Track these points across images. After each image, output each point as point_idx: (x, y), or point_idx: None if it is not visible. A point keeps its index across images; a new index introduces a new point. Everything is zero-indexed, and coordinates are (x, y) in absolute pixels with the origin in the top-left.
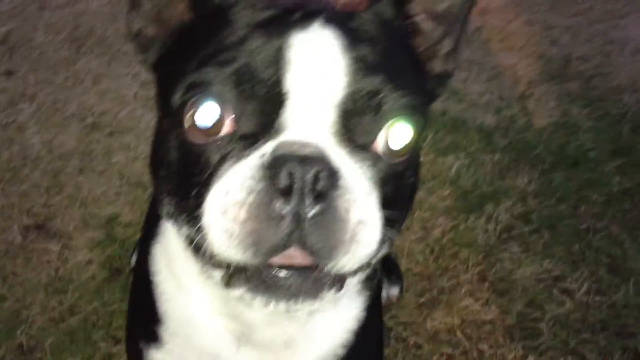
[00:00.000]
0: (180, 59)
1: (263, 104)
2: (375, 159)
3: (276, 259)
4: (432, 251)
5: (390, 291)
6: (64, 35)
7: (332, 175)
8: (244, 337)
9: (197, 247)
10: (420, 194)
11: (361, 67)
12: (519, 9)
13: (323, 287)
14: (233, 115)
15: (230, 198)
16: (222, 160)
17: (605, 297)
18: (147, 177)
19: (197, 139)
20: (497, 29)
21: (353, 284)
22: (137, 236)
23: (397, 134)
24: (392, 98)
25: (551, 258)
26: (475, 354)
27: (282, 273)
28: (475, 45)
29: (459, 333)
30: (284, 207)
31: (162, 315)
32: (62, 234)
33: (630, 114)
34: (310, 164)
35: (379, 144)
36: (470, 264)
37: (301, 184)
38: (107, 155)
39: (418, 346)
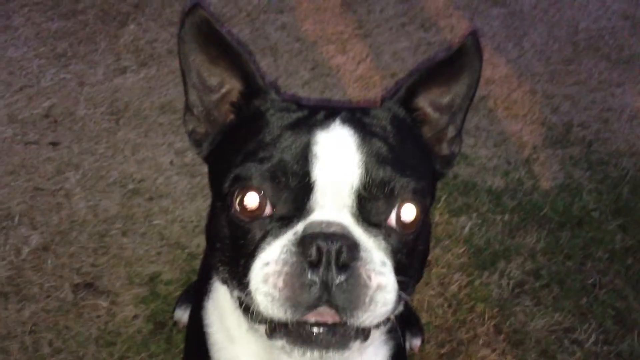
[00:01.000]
0: (228, 154)
1: (295, 193)
2: (388, 233)
3: (310, 316)
4: (450, 305)
5: (413, 342)
6: (103, 109)
7: (353, 248)
8: None
9: (246, 307)
10: (437, 252)
11: (373, 159)
12: (522, 79)
13: (349, 339)
14: (270, 203)
15: (270, 269)
16: (264, 236)
17: (613, 347)
18: (184, 239)
19: (243, 222)
20: (501, 97)
21: (377, 335)
22: (178, 292)
23: (406, 212)
24: (399, 185)
25: (561, 311)
26: None
27: (315, 329)
28: (482, 113)
29: None
30: (313, 276)
31: None
32: (109, 291)
33: (629, 177)
34: (334, 240)
35: (392, 221)
36: (486, 317)
37: (327, 256)
38: (148, 218)
39: None
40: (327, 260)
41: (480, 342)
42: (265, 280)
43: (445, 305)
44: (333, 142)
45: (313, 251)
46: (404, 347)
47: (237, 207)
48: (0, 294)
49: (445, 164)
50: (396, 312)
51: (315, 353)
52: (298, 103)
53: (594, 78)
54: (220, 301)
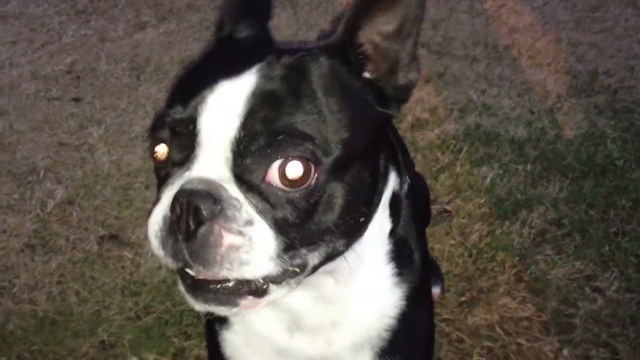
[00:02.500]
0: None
1: (184, 141)
2: (266, 191)
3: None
4: (470, 254)
5: (433, 290)
6: (124, 64)
7: (215, 206)
8: (294, 324)
9: None
10: (458, 202)
11: (260, 113)
12: (546, 27)
13: (234, 298)
14: (169, 149)
15: (152, 218)
16: (165, 181)
17: (634, 294)
18: None
19: (155, 165)
20: (525, 46)
21: (383, 273)
22: None
23: (290, 169)
24: (278, 141)
25: (583, 259)
26: (514, 347)
27: (205, 284)
28: (506, 62)
29: (498, 328)
30: (174, 230)
31: None
32: (133, 243)
33: None
34: (194, 198)
35: (272, 177)
36: (507, 265)
37: (186, 214)
38: None
39: (460, 340)
40: (185, 218)
41: (501, 290)
42: (153, 223)
43: (466, 254)
44: (226, 91)
45: (177, 209)
46: (423, 290)
47: (155, 152)
48: (27, 246)
49: (403, 95)
50: (309, 265)
51: (207, 306)
52: (255, 38)
53: (620, 25)
54: None
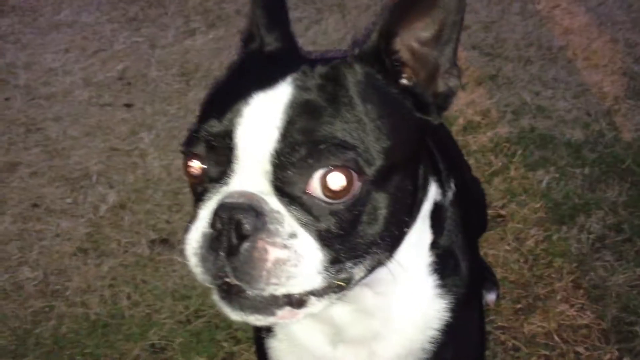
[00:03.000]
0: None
1: (221, 155)
2: (308, 203)
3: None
4: (526, 261)
5: (487, 297)
6: (174, 70)
7: (256, 220)
8: (337, 336)
9: None
10: (512, 207)
11: (293, 125)
12: (602, 28)
13: (272, 307)
14: (205, 164)
15: (192, 235)
16: (202, 197)
17: None
18: None
19: (191, 181)
20: (580, 47)
21: (427, 283)
22: None
23: (332, 180)
24: (320, 152)
25: None
26: (572, 356)
27: (241, 294)
28: (560, 64)
29: (555, 337)
30: (216, 246)
31: None
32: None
33: None
34: (236, 212)
35: (314, 189)
36: (565, 272)
37: (228, 229)
38: None
39: (516, 349)
40: (227, 233)
41: (558, 297)
42: (191, 240)
43: (521, 260)
44: (263, 103)
45: (217, 224)
46: (470, 301)
47: (189, 167)
48: (80, 250)
49: (443, 102)
50: (354, 279)
51: (245, 317)
52: (289, 51)
53: None
54: None
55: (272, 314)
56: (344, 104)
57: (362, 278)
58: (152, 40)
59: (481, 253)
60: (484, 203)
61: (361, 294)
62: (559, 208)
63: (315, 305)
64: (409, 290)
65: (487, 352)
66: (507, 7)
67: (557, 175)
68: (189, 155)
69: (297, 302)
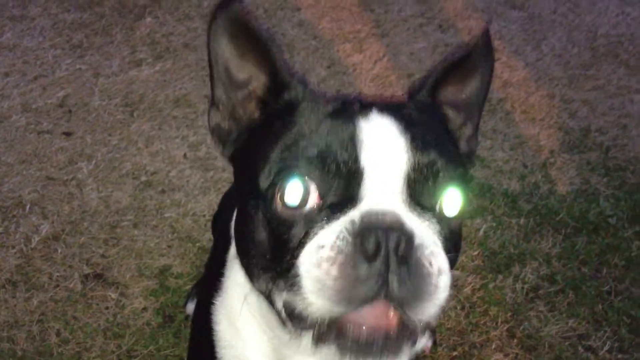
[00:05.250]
0: (261, 149)
1: (344, 180)
2: (439, 218)
3: (362, 314)
4: (463, 308)
5: (423, 344)
6: (118, 100)
7: (410, 239)
8: None
9: (291, 311)
10: None
11: (418, 144)
12: (540, 83)
13: (402, 345)
14: (318, 191)
15: (324, 252)
16: (311, 228)
17: (627, 355)
18: (196, 232)
19: (287, 215)
20: (518, 101)
21: (425, 339)
22: (188, 286)
23: (452, 198)
24: (445, 168)
25: (576, 317)
26: None
27: (373, 334)
28: (499, 115)
29: None
30: (371, 269)
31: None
32: (119, 283)
33: None
34: (392, 232)
35: (442, 206)
36: (500, 320)
37: (386, 250)
38: (160, 210)
39: None
40: (385, 254)
41: (493, 346)
42: (319, 265)
43: (458, 307)
44: (377, 130)
45: (371, 243)
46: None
47: (279, 202)
48: (9, 282)
49: (465, 160)
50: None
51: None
52: (325, 95)
53: (613, 84)
54: (232, 300)
55: (401, 352)
56: (435, 127)
57: None
58: (96, 68)
59: None
60: None
61: None
62: (495, 257)
63: (420, 341)
64: None
65: None
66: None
67: (494, 224)
68: (288, 181)
69: (414, 337)
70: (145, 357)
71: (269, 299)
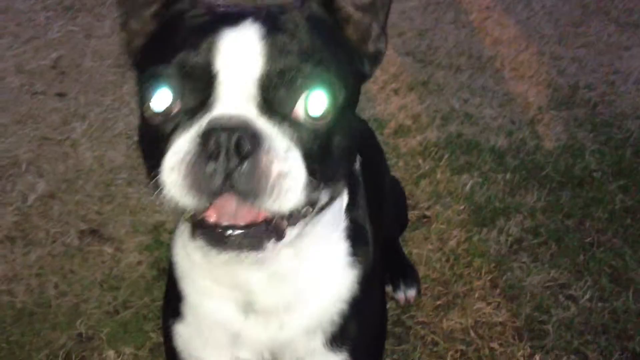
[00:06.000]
0: (145, 59)
1: (199, 85)
2: (296, 123)
3: (224, 219)
4: (447, 260)
5: (408, 293)
6: (110, 61)
7: (254, 138)
8: (248, 305)
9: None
10: (437, 209)
11: (277, 50)
12: (530, 40)
13: (262, 239)
14: (178, 98)
15: (175, 158)
16: (174, 131)
17: (607, 304)
18: None
19: (153, 121)
20: (508, 58)
21: (340, 253)
22: None
23: (314, 102)
24: (304, 74)
25: (557, 268)
26: (487, 351)
27: (230, 231)
28: (488, 73)
29: (472, 332)
30: (213, 165)
31: (182, 292)
32: (114, 238)
33: (632, 139)
34: (233, 132)
35: (299, 111)
36: (483, 271)
37: (227, 147)
38: None
39: (435, 343)
40: (226, 151)
41: (476, 295)
42: (172, 169)
43: (443, 259)
44: (238, 36)
45: (212, 143)
46: (375, 277)
47: (147, 108)
48: (7, 238)
49: (373, 62)
50: (318, 203)
51: (231, 254)
52: (220, 6)
53: (602, 41)
54: (184, 228)
55: (262, 247)
56: (312, 34)
57: (321, 209)
58: (88, 30)
59: (405, 251)
60: (404, 202)
61: (282, 254)
62: (481, 211)
63: (289, 234)
64: (324, 254)
65: (407, 346)
66: (441, 16)
67: (480, 179)
68: (153, 87)
69: (278, 231)
70: (141, 308)
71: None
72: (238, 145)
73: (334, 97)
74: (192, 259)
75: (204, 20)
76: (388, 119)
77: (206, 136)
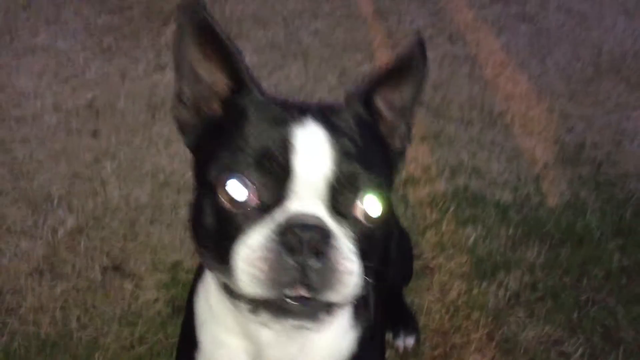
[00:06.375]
0: (213, 144)
1: (276, 181)
2: (356, 223)
3: (287, 293)
4: (447, 311)
5: (407, 341)
6: (142, 103)
7: (327, 237)
8: (258, 356)
9: (229, 289)
10: (440, 260)
11: (343, 156)
12: (541, 97)
13: (318, 311)
14: (253, 190)
15: (255, 254)
16: (247, 222)
17: None
18: None
19: (227, 208)
20: (519, 114)
21: (344, 316)
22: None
23: (369, 204)
24: (364, 179)
25: (552, 324)
26: None
27: (294, 302)
28: (498, 127)
29: None
30: (292, 262)
31: (198, 340)
32: (134, 275)
33: (634, 199)
34: (312, 231)
35: (357, 212)
36: (481, 324)
37: (306, 245)
38: (175, 209)
39: None
40: (305, 249)
41: (473, 347)
42: (250, 264)
43: (443, 310)
44: (308, 138)
45: (294, 240)
46: (375, 334)
47: (223, 195)
48: (36, 271)
49: (398, 158)
50: (359, 295)
51: (291, 322)
52: (275, 99)
53: (612, 100)
54: (208, 283)
55: (318, 318)
56: (362, 137)
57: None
58: (123, 71)
59: (408, 300)
60: (411, 255)
61: None
62: (482, 264)
63: (338, 313)
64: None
65: None
66: (457, 70)
67: (483, 233)
68: (231, 175)
69: (331, 310)
70: (155, 344)
71: (219, 283)
72: (315, 243)
73: (385, 198)
74: (213, 312)
75: (276, 115)
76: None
77: (287, 233)
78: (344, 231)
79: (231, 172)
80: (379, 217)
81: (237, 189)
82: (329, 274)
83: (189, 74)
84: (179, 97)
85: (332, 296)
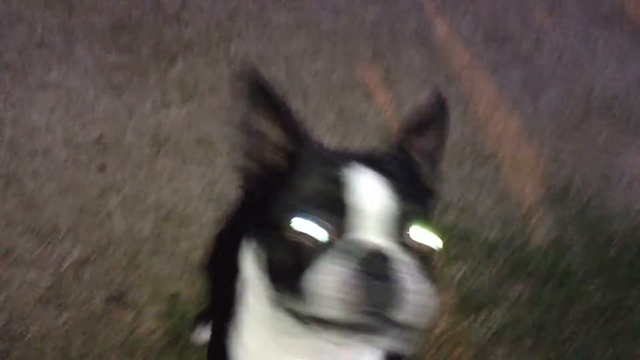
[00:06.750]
0: (279, 188)
1: (344, 218)
2: (412, 251)
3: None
4: (431, 347)
5: None
6: (147, 139)
7: (397, 265)
8: None
9: (295, 312)
10: None
11: (394, 192)
12: (532, 136)
13: (388, 329)
14: (319, 225)
15: (332, 280)
16: (315, 256)
17: None
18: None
19: (296, 243)
20: (509, 154)
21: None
22: (194, 312)
23: (421, 234)
24: (416, 214)
25: None
26: None
27: (369, 319)
28: (489, 167)
29: None
30: (372, 286)
31: None
32: (135, 305)
33: (616, 240)
34: (384, 259)
35: (412, 241)
36: None
37: (382, 272)
38: (176, 242)
39: None
40: (381, 275)
41: None
42: (334, 289)
43: (427, 346)
44: (362, 177)
45: (375, 267)
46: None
47: (295, 234)
48: (42, 299)
49: (431, 195)
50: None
51: (362, 337)
52: (328, 148)
53: (602, 138)
54: (244, 324)
55: (384, 333)
56: (410, 179)
57: None
58: (130, 108)
59: None
60: None
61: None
62: (467, 301)
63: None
64: None
65: None
66: (451, 110)
67: (471, 269)
68: (302, 216)
69: (397, 330)
70: None
71: (283, 310)
72: (389, 270)
73: (432, 229)
74: (251, 356)
75: (333, 160)
76: None
77: (359, 258)
78: (406, 258)
79: (296, 210)
80: (429, 246)
81: (304, 225)
82: (401, 295)
83: (254, 133)
84: (249, 154)
85: (402, 316)
